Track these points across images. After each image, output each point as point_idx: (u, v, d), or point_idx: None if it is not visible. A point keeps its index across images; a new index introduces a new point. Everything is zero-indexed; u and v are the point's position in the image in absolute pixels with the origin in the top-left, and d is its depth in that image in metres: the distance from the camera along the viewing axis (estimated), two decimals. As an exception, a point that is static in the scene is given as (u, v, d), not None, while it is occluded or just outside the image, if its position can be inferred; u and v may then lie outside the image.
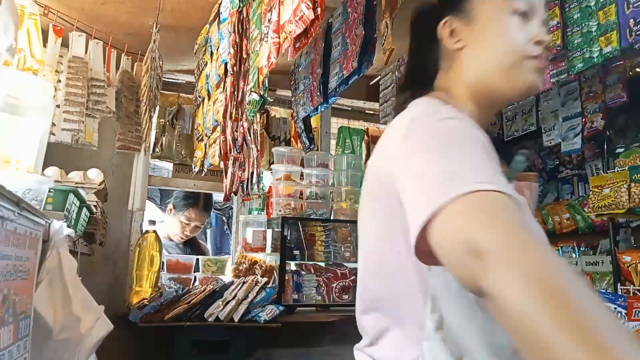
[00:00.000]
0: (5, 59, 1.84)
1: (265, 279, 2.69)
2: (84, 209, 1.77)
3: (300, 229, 2.96)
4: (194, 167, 3.09)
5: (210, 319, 2.48)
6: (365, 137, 3.87)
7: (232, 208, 3.78)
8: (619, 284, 2.25)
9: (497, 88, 0.89)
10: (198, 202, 3.37)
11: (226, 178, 2.49)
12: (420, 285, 0.78)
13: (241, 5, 2.15)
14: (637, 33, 1.60)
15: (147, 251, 2.82)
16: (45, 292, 1.01)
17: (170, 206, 3.42)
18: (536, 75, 0.88)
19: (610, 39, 1.69)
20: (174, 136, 3.45)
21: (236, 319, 2.48)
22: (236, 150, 2.32)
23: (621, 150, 2.49)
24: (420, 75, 0.99)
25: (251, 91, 1.95)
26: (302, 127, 3.15)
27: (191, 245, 3.46)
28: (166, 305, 2.51)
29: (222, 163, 2.53)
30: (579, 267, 3.09)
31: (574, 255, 3.25)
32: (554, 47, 1.89)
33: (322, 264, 3.02)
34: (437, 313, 0.76)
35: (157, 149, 3.40)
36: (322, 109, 2.93)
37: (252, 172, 2.34)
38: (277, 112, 3.79)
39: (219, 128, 2.54)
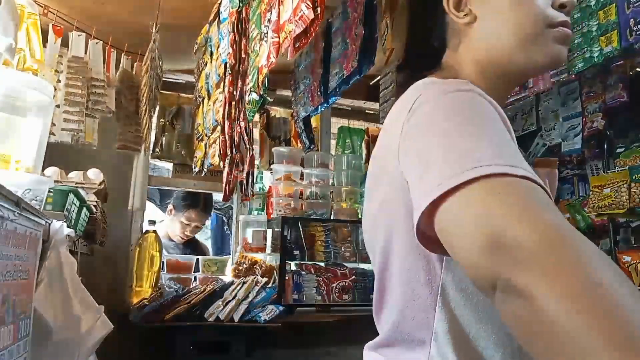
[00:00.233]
0: (5, 59, 1.84)
1: (265, 279, 2.69)
2: (84, 209, 1.77)
3: (300, 229, 2.96)
4: (194, 167, 3.09)
5: (210, 319, 2.48)
6: (365, 137, 3.87)
7: (232, 208, 3.77)
8: (619, 284, 2.25)
9: (516, 64, 0.78)
10: (198, 202, 3.36)
11: (224, 178, 2.49)
12: (428, 279, 0.71)
13: (241, 5, 2.15)
14: (637, 33, 1.60)
15: (147, 251, 2.82)
16: (45, 292, 1.01)
17: (170, 206, 3.42)
18: (561, 45, 0.77)
19: (610, 38, 1.69)
20: (173, 136, 3.45)
21: (236, 319, 2.48)
22: (234, 150, 2.32)
23: (621, 150, 2.49)
24: (421, 52, 0.87)
25: (251, 91, 1.95)
26: (302, 127, 3.14)
27: (191, 246, 3.46)
28: (166, 305, 2.51)
29: (221, 163, 2.53)
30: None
31: (574, 255, 3.24)
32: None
33: (322, 264, 3.02)
34: (447, 312, 0.70)
35: (157, 149, 3.40)
36: (322, 109, 2.93)
37: (249, 172, 2.34)
38: (277, 112, 3.79)
39: (218, 128, 2.54)
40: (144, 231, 2.96)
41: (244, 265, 3.03)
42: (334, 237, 3.03)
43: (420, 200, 0.57)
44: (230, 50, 2.19)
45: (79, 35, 2.68)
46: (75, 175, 2.12)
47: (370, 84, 3.41)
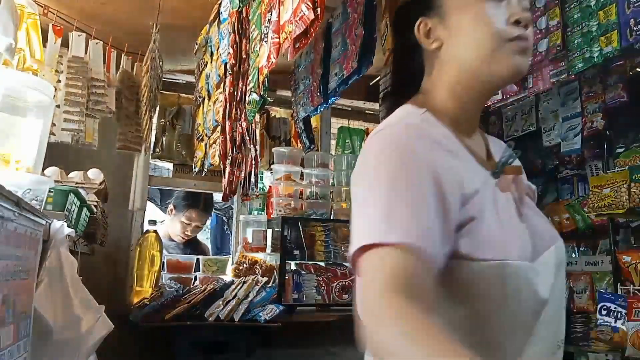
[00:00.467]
0: (5, 59, 1.84)
1: (265, 279, 2.69)
2: (84, 209, 1.77)
3: (300, 229, 2.96)
4: (194, 167, 3.09)
5: (210, 319, 2.48)
6: (365, 137, 3.87)
7: (232, 208, 3.78)
8: (619, 284, 2.25)
9: (481, 80, 0.86)
10: (198, 202, 3.37)
11: (224, 178, 2.49)
12: None
13: (241, 5, 2.15)
14: (638, 33, 1.60)
15: (147, 251, 2.82)
16: (45, 292, 1.01)
17: (170, 206, 3.42)
18: (520, 56, 0.84)
19: (610, 38, 1.69)
20: (174, 136, 3.45)
21: (236, 319, 2.48)
22: (235, 151, 2.32)
23: (621, 150, 2.49)
24: (404, 81, 0.97)
25: (251, 91, 1.95)
26: (302, 127, 3.14)
27: (191, 245, 3.46)
28: (166, 305, 2.51)
29: (222, 163, 2.53)
30: (579, 267, 3.09)
31: (573, 255, 3.25)
32: (554, 47, 1.89)
33: (322, 264, 3.02)
34: None
35: (157, 149, 3.40)
36: (322, 109, 2.93)
37: (250, 173, 2.34)
38: (277, 112, 3.79)
39: (219, 128, 2.54)
40: (144, 231, 2.96)
41: (244, 265, 3.03)
42: (334, 237, 3.03)
43: (351, 245, 0.75)
44: (231, 50, 2.19)
45: (79, 36, 2.68)
46: (75, 175, 2.12)
47: (370, 84, 3.41)
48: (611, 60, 1.86)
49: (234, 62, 2.19)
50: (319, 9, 1.47)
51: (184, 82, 3.50)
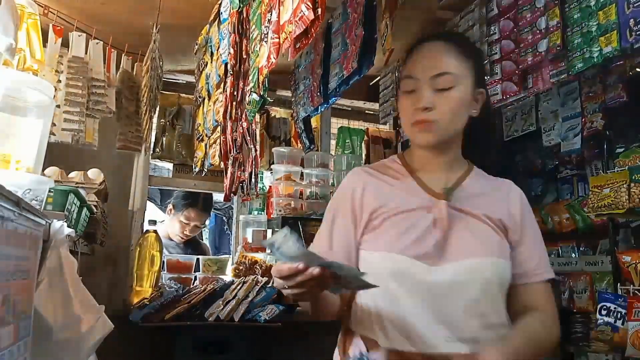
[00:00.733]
0: (5, 59, 1.84)
1: (265, 279, 2.69)
2: (84, 209, 1.77)
3: (300, 229, 2.96)
4: (195, 167, 3.09)
5: (210, 319, 2.48)
6: (365, 137, 3.87)
7: (232, 208, 3.78)
8: (618, 284, 2.25)
9: (412, 142, 1.23)
10: (197, 202, 3.37)
11: (226, 178, 2.49)
12: None
13: (241, 5, 2.15)
14: (637, 33, 1.60)
15: (147, 251, 2.82)
16: (45, 292, 1.01)
17: (170, 206, 3.42)
18: (421, 134, 1.15)
19: (610, 39, 1.69)
20: (174, 136, 3.45)
21: (236, 319, 2.48)
22: (235, 151, 2.32)
23: (621, 150, 2.49)
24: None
25: (251, 91, 1.95)
26: (302, 127, 3.15)
27: (191, 245, 3.47)
28: (166, 305, 2.51)
29: (222, 163, 2.53)
30: (579, 267, 3.09)
31: (573, 255, 3.24)
32: (554, 47, 1.89)
33: (322, 264, 3.02)
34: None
35: (157, 149, 3.40)
36: (322, 109, 2.93)
37: (251, 173, 2.34)
38: (277, 112, 3.79)
39: (219, 128, 2.54)
40: (144, 231, 2.96)
41: (244, 265, 3.03)
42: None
43: None
44: (231, 50, 2.19)
45: (79, 36, 2.67)
46: (75, 175, 2.12)
47: (370, 84, 3.41)
48: (611, 60, 1.87)
49: (234, 62, 2.19)
50: (319, 9, 1.47)
51: (184, 82, 3.50)
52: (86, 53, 2.70)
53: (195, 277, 3.08)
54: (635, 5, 1.61)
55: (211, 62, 2.71)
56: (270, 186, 3.29)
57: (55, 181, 1.81)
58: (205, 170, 2.99)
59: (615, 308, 2.17)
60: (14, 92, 1.67)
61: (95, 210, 1.99)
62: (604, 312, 2.20)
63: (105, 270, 2.97)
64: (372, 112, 4.01)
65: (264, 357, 2.68)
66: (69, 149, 2.64)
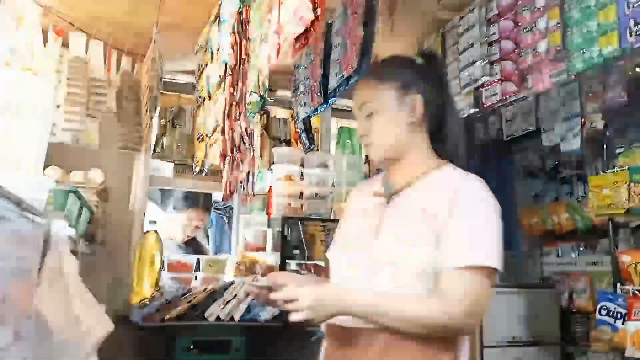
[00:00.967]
0: (5, 59, 1.84)
1: (265, 279, 2.69)
2: (85, 209, 1.77)
3: (300, 229, 2.96)
4: (195, 168, 3.09)
5: (210, 319, 2.48)
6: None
7: (232, 208, 3.78)
8: (618, 284, 2.26)
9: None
10: (198, 202, 3.37)
11: (225, 178, 2.49)
12: None
13: (241, 5, 2.15)
14: (637, 33, 1.60)
15: (147, 251, 2.82)
16: (45, 292, 1.01)
17: (170, 206, 3.42)
18: (366, 149, 1.38)
19: (610, 39, 1.69)
20: (174, 136, 3.45)
21: (236, 318, 2.48)
22: (235, 151, 2.32)
23: (621, 150, 2.49)
24: None
25: (251, 92, 1.95)
26: (302, 127, 3.14)
27: (191, 245, 3.47)
28: (167, 304, 2.51)
29: (222, 163, 2.53)
30: (579, 267, 3.09)
31: (573, 255, 3.24)
32: (553, 47, 1.89)
33: (322, 264, 3.02)
34: None
35: (157, 149, 3.40)
36: (322, 110, 2.93)
37: (249, 173, 2.34)
38: (278, 112, 3.79)
39: (219, 128, 2.54)
40: (144, 231, 2.96)
41: (244, 265, 3.03)
42: (334, 237, 3.03)
43: None
44: (231, 51, 2.19)
45: (79, 36, 2.68)
46: (75, 176, 2.12)
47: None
48: (611, 60, 1.86)
49: (234, 62, 2.19)
50: (319, 10, 1.47)
51: (185, 82, 3.50)
52: (86, 53, 2.70)
53: (196, 277, 3.08)
54: (635, 5, 1.61)
55: (211, 63, 2.71)
56: (270, 186, 3.30)
57: (56, 181, 1.82)
58: (205, 170, 2.99)
59: (615, 308, 2.17)
60: (14, 92, 1.68)
61: (95, 210, 1.99)
62: (604, 312, 2.20)
63: (105, 270, 2.97)
64: (372, 112, 4.01)
65: (264, 357, 2.68)
66: (69, 149, 2.65)
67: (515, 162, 3.68)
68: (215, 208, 4.15)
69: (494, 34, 2.19)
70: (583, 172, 3.17)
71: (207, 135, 2.84)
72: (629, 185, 2.11)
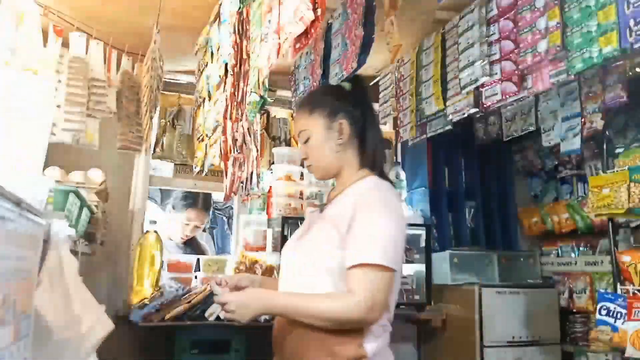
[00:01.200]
0: (6, 59, 1.84)
1: (265, 279, 2.69)
2: (85, 209, 1.77)
3: (301, 229, 2.96)
4: (195, 167, 3.09)
5: (210, 319, 2.48)
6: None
7: (232, 208, 3.78)
8: (618, 284, 2.26)
9: None
10: (197, 202, 3.37)
11: (226, 178, 2.49)
12: None
13: (241, 6, 2.15)
14: (637, 33, 1.60)
15: (147, 251, 2.82)
16: (45, 292, 1.01)
17: (169, 206, 3.42)
18: (309, 171, 1.59)
19: (610, 39, 1.69)
20: (174, 136, 3.45)
21: (236, 319, 2.48)
22: (236, 151, 2.32)
23: (621, 150, 2.49)
24: None
25: (251, 92, 1.96)
26: (302, 127, 3.14)
27: (191, 245, 3.47)
28: (167, 304, 2.51)
29: (222, 163, 2.53)
30: (579, 267, 3.09)
31: (573, 255, 3.24)
32: (553, 47, 1.89)
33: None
34: None
35: (157, 149, 3.40)
36: (322, 109, 2.93)
37: (252, 172, 2.34)
38: (278, 112, 3.79)
39: (219, 128, 2.54)
40: (144, 231, 2.96)
41: (244, 265, 3.03)
42: None
43: None
44: (232, 51, 2.19)
45: (79, 36, 2.68)
46: (76, 175, 2.12)
47: (370, 84, 3.41)
48: (611, 60, 1.86)
49: (234, 62, 2.19)
50: (319, 10, 1.47)
51: (185, 82, 3.50)
52: (86, 53, 2.70)
53: (196, 277, 3.08)
54: (635, 5, 1.61)
55: (211, 63, 2.71)
56: (270, 186, 3.30)
57: (56, 181, 1.82)
58: (206, 170, 2.99)
59: (615, 308, 2.17)
60: (14, 92, 1.68)
61: (95, 210, 1.99)
62: (604, 312, 2.20)
63: (105, 270, 2.97)
64: (372, 112, 4.01)
65: (264, 357, 2.68)
66: (69, 149, 2.65)
67: (515, 162, 3.69)
68: (215, 208, 4.15)
69: (494, 34, 2.19)
70: (583, 172, 3.17)
71: (207, 135, 2.84)
72: (629, 185, 2.11)
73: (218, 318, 2.47)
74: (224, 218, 4.56)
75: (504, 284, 3.06)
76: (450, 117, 2.47)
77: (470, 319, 2.90)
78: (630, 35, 1.62)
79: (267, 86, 1.89)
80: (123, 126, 2.88)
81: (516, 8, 2.08)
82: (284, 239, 2.88)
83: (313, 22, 1.49)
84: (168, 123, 3.45)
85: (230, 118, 2.29)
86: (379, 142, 1.55)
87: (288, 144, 3.63)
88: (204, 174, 3.08)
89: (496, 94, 2.19)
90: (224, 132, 2.39)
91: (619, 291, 2.23)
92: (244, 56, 2.14)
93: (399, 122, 2.98)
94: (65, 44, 2.64)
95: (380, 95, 3.22)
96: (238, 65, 2.18)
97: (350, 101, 1.53)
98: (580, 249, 3.18)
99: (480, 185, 3.55)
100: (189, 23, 2.75)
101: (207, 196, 3.51)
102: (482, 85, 2.24)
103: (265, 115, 3.63)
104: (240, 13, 2.17)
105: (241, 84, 2.17)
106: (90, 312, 1.16)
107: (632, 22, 1.61)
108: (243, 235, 3.36)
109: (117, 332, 1.28)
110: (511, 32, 2.10)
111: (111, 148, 2.94)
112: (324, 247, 1.38)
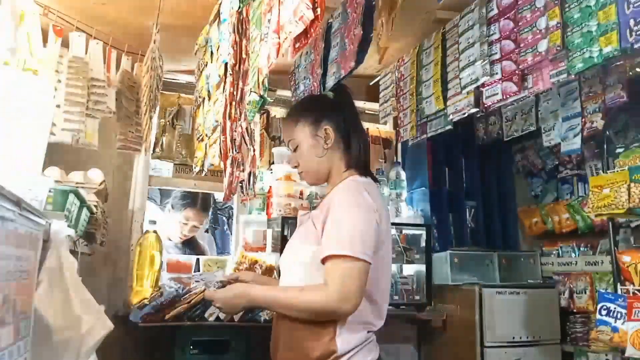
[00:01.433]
0: (5, 59, 1.84)
1: (265, 279, 2.69)
2: (85, 209, 1.77)
3: (300, 229, 2.96)
4: (195, 167, 3.09)
5: (210, 319, 2.48)
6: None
7: (232, 208, 3.77)
8: (618, 284, 2.25)
9: None
10: (196, 201, 3.37)
11: (226, 178, 2.49)
12: None
13: (241, 5, 2.15)
14: (637, 33, 1.60)
15: (147, 251, 2.82)
16: (45, 292, 1.01)
17: (168, 206, 3.42)
18: (301, 178, 1.72)
19: (610, 39, 1.69)
20: (174, 136, 3.45)
21: (236, 319, 2.48)
22: (235, 151, 2.32)
23: (621, 150, 2.49)
24: None
25: (251, 91, 1.95)
26: (302, 127, 3.14)
27: (190, 245, 3.47)
28: (166, 305, 2.51)
29: (222, 163, 2.53)
30: (579, 267, 3.09)
31: (573, 255, 3.24)
32: (554, 47, 1.89)
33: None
34: None
35: (157, 149, 3.40)
36: (322, 109, 2.92)
37: (250, 173, 2.34)
38: (278, 112, 3.79)
39: (219, 128, 2.54)
40: (144, 231, 2.96)
41: (244, 265, 3.03)
42: None
43: None
44: (232, 50, 2.19)
45: (79, 36, 2.67)
46: (75, 175, 2.12)
47: (370, 84, 3.41)
48: (611, 60, 1.86)
49: (234, 62, 2.18)
50: (319, 9, 1.47)
51: (184, 82, 3.50)
52: (86, 53, 2.70)
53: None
54: (635, 5, 1.61)
55: (211, 62, 2.71)
56: (270, 186, 3.29)
57: (56, 181, 1.81)
58: (205, 170, 2.99)
59: (615, 308, 2.17)
60: (14, 92, 1.67)
61: (95, 210, 1.99)
62: (604, 312, 2.20)
63: (105, 270, 2.97)
64: (372, 112, 4.00)
65: (264, 357, 2.68)
66: (69, 149, 2.64)
67: (516, 162, 3.69)
68: (215, 208, 4.15)
69: (495, 33, 2.18)
70: (583, 172, 3.17)
71: (206, 135, 2.84)
72: (629, 185, 2.11)
73: (218, 318, 2.47)
74: (224, 218, 4.56)
75: (505, 284, 3.06)
76: (451, 117, 2.47)
77: (470, 319, 2.90)
78: (631, 35, 1.62)
79: (266, 86, 1.89)
80: (123, 126, 2.88)
81: (516, 8, 2.08)
82: (283, 239, 2.88)
83: (313, 21, 1.49)
84: (168, 123, 3.45)
85: (230, 118, 2.29)
86: (362, 143, 1.61)
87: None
88: (204, 173, 3.07)
89: (496, 93, 2.19)
90: (224, 132, 2.38)
91: (619, 291, 2.22)
92: (244, 56, 2.14)
93: (399, 121, 2.98)
94: (65, 44, 2.64)
95: (381, 95, 3.22)
96: (238, 64, 2.18)
97: (334, 108, 1.62)
98: (581, 249, 3.18)
99: (480, 185, 3.55)
100: (188, 23, 2.75)
101: (207, 196, 3.51)
102: (483, 85, 2.24)
103: (265, 115, 3.63)
104: (240, 12, 2.17)
105: (241, 84, 2.17)
106: (90, 312, 1.16)
107: (632, 22, 1.61)
108: (243, 235, 3.36)
109: (117, 332, 1.28)
110: (511, 32, 2.10)
111: (111, 148, 2.94)
112: (305, 245, 1.49)
